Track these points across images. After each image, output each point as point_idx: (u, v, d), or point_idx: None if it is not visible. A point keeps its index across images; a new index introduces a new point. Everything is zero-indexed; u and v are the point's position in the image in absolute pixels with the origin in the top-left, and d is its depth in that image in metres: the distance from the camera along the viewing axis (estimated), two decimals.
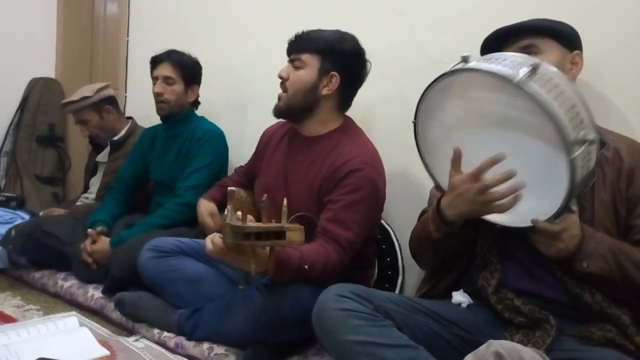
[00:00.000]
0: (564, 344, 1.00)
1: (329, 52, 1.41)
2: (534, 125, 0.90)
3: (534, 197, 0.94)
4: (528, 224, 0.95)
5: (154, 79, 1.98)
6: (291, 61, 1.46)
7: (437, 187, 1.11)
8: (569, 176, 0.86)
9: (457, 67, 0.95)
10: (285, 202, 1.03)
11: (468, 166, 0.99)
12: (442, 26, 1.64)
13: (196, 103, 2.06)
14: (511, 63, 0.89)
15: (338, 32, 1.45)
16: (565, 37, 1.15)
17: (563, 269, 1.03)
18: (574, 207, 0.92)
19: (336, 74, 1.42)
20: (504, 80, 0.87)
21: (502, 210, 0.97)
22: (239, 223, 0.99)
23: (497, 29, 1.17)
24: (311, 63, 1.42)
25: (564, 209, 0.91)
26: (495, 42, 1.16)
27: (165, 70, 1.95)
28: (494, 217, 1.01)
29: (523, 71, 0.86)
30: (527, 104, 0.86)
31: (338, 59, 1.42)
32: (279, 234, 0.99)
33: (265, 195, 1.04)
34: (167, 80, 1.95)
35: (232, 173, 1.81)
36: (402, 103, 1.74)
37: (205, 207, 1.67)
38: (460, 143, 1.01)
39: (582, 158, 0.87)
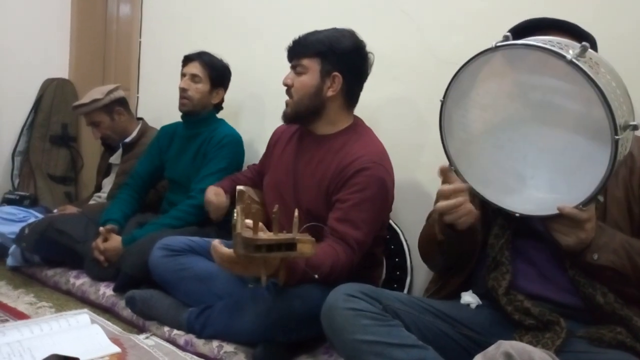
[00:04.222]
0: (574, 345, 0.99)
1: (328, 53, 1.41)
2: (574, 111, 0.88)
3: (564, 186, 0.94)
4: (549, 212, 0.93)
5: (183, 75, 1.99)
6: (293, 67, 1.47)
7: (456, 172, 1.08)
8: (610, 158, 0.84)
9: (501, 43, 0.91)
10: (296, 212, 1.03)
11: (501, 151, 1.01)
12: (451, 27, 1.64)
13: (219, 107, 2.07)
14: (558, 44, 0.86)
15: (335, 30, 1.45)
16: (589, 43, 1.13)
17: (575, 266, 1.01)
18: (601, 198, 0.90)
19: (338, 74, 1.42)
20: (556, 56, 0.83)
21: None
22: (250, 234, 0.99)
23: (528, 20, 1.14)
24: (312, 67, 1.43)
25: (593, 198, 0.89)
26: (522, 33, 1.11)
27: (194, 68, 1.97)
28: (515, 206, 0.99)
29: (573, 50, 0.83)
30: (569, 86, 0.84)
31: (338, 58, 1.42)
32: (290, 246, 0.99)
33: (276, 206, 1.03)
34: (193, 77, 1.96)
35: (245, 169, 1.82)
36: (410, 104, 1.74)
37: (212, 189, 1.69)
38: (493, 127, 1.00)
39: (622, 145, 0.84)
